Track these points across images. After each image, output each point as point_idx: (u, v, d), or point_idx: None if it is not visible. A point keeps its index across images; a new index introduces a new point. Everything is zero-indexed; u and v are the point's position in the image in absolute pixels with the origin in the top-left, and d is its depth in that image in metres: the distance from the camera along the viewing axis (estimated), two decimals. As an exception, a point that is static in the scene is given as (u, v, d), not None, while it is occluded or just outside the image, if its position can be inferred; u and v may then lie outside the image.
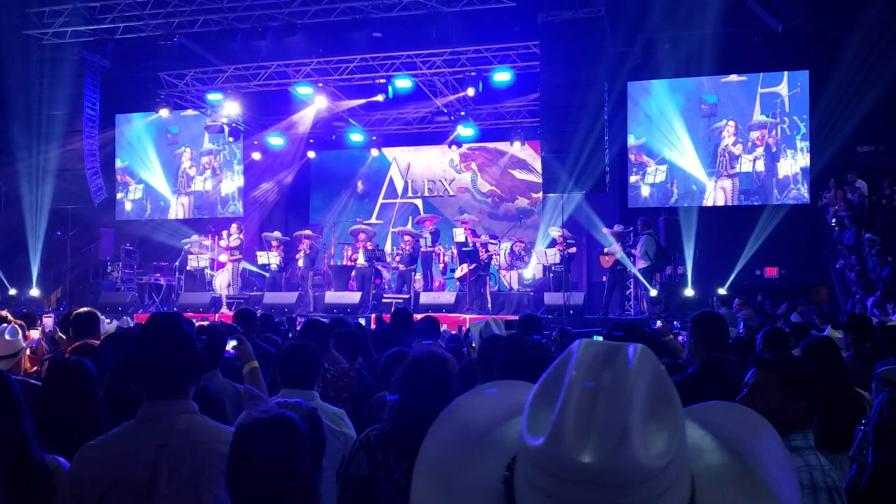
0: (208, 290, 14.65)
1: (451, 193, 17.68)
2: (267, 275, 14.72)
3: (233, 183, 17.79)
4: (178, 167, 17.99)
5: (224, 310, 13.21)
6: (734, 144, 14.58)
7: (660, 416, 0.87)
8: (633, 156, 15.16)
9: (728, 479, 0.92)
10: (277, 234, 15.14)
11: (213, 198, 17.81)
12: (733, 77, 14.60)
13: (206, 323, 4.91)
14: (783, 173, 14.39)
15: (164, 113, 15.59)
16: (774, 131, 14.45)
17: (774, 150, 14.44)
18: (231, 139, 16.61)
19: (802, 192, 14.27)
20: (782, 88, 14.40)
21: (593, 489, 0.83)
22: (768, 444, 0.95)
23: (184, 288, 14.97)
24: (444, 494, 0.98)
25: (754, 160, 14.53)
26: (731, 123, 14.57)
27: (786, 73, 14.33)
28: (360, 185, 18.30)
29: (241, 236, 14.75)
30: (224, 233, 14.92)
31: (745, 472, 0.92)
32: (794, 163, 14.34)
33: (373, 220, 17.60)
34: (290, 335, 6.69)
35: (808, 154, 14.20)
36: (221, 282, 14.61)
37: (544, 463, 0.85)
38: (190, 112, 16.84)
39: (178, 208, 17.90)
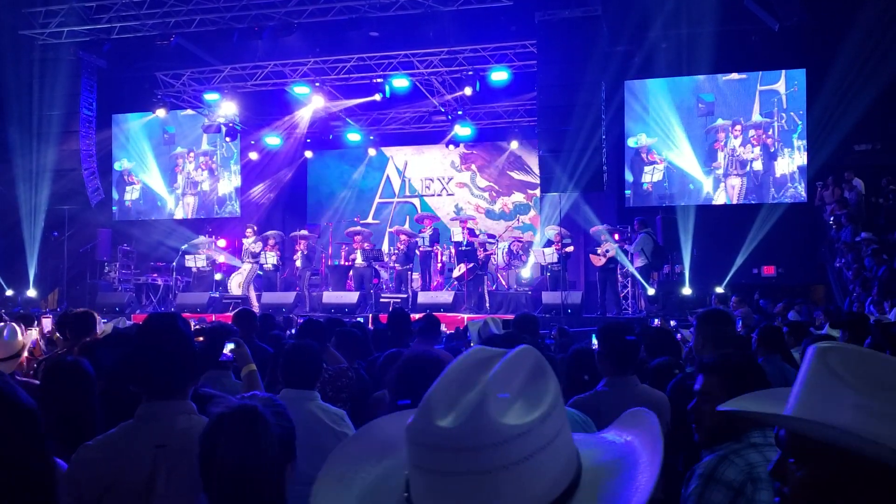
0: (219, 290, 14.66)
1: (450, 192, 17.66)
2: (260, 273, 14.71)
3: (230, 183, 17.77)
4: (174, 167, 17.95)
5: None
6: (742, 145, 14.59)
7: (528, 398, 0.94)
8: (644, 154, 15.17)
9: (606, 472, 0.99)
10: (273, 232, 15.10)
11: (212, 198, 17.79)
12: (734, 75, 14.61)
13: (200, 326, 4.90)
14: (780, 172, 14.42)
15: (160, 113, 15.58)
16: (771, 130, 14.46)
17: (773, 149, 14.47)
18: (228, 139, 16.59)
19: (800, 190, 14.30)
20: (780, 86, 14.43)
21: (452, 455, 0.89)
22: (642, 438, 1.04)
23: (187, 287, 14.96)
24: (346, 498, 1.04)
25: (751, 160, 14.56)
26: (738, 127, 14.57)
27: (783, 71, 14.35)
28: (357, 184, 18.29)
29: (257, 239, 14.58)
30: (245, 239, 14.68)
31: (619, 464, 1.00)
32: (792, 161, 14.37)
33: (369, 220, 17.60)
34: (287, 333, 6.69)
35: (806, 152, 14.22)
36: (238, 282, 14.50)
37: (414, 435, 0.93)
38: (189, 112, 16.79)
39: (183, 208, 17.86)
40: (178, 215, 17.82)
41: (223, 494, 1.62)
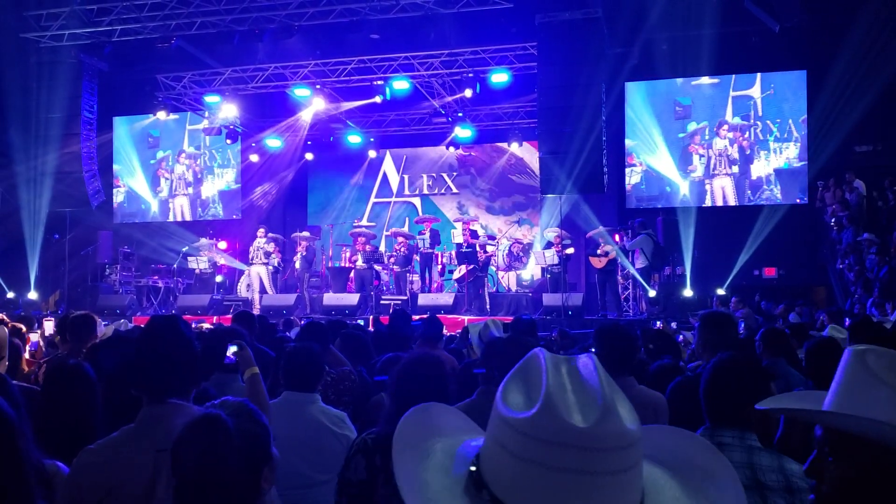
0: (220, 292, 14.65)
1: (455, 191, 17.64)
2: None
3: (213, 186, 17.71)
4: (157, 170, 17.88)
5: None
6: (731, 144, 14.59)
7: (621, 397, 0.98)
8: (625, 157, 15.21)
9: (673, 498, 1.02)
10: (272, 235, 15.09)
11: (199, 200, 17.75)
12: (704, 79, 14.62)
13: (203, 326, 4.90)
14: (756, 174, 14.44)
15: (161, 115, 15.59)
16: (748, 133, 14.49)
17: (748, 152, 14.49)
18: (229, 141, 16.56)
19: (775, 193, 14.31)
20: (755, 91, 14.45)
21: (583, 453, 0.91)
22: (725, 492, 1.06)
23: (188, 289, 14.97)
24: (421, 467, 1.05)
25: (733, 162, 14.57)
26: (726, 126, 14.58)
27: (759, 74, 14.35)
28: (357, 186, 18.30)
29: (266, 242, 14.52)
30: (258, 240, 14.60)
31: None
32: (767, 164, 14.39)
33: (365, 222, 17.59)
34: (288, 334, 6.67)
35: (781, 155, 14.26)
36: (251, 284, 14.47)
37: (536, 431, 0.93)
38: (174, 116, 16.70)
39: (173, 211, 17.82)
40: (168, 218, 17.74)
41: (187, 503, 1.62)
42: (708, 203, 14.49)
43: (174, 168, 17.83)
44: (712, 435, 2.16)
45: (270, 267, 14.24)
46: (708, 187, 14.58)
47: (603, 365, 3.24)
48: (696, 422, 2.26)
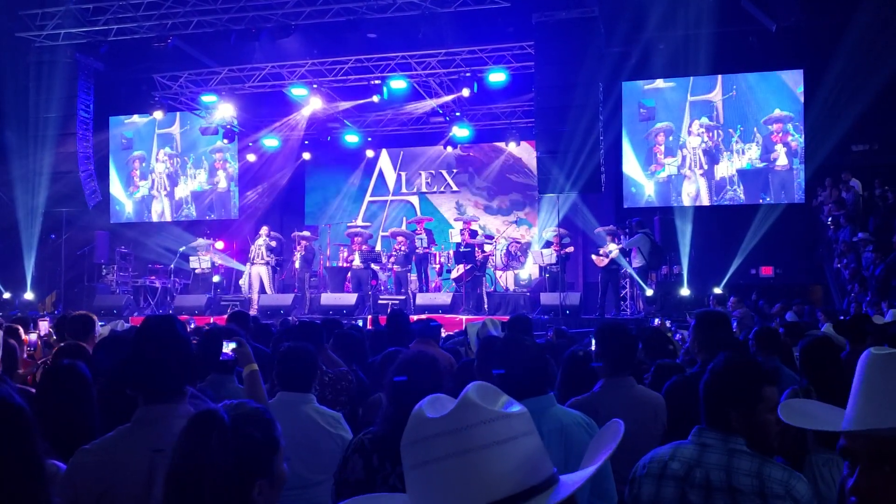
0: (217, 292, 14.62)
1: (455, 189, 17.64)
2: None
3: (186, 187, 17.62)
4: (131, 171, 17.79)
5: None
6: (709, 140, 14.61)
7: (505, 399, 1.09)
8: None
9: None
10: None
11: (178, 198, 17.67)
12: (659, 83, 14.64)
13: (191, 326, 4.90)
14: (720, 175, 14.48)
15: (158, 115, 15.55)
16: (713, 133, 14.51)
17: (714, 151, 14.53)
18: (226, 141, 16.53)
19: (739, 193, 14.36)
20: (715, 95, 14.52)
21: (444, 439, 1.02)
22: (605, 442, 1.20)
23: (185, 290, 14.94)
24: None
25: (678, 166, 14.62)
26: (697, 123, 14.61)
27: (719, 76, 14.38)
28: (354, 185, 18.29)
29: (269, 240, 14.47)
30: (260, 238, 14.56)
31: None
32: (731, 165, 14.43)
33: (360, 221, 17.60)
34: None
35: (744, 156, 14.33)
36: (251, 284, 14.43)
37: (409, 437, 1.06)
38: (147, 118, 16.61)
39: (158, 209, 17.73)
40: (144, 218, 17.63)
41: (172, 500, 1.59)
42: (680, 203, 14.48)
43: (155, 168, 17.74)
44: (699, 435, 2.19)
45: (269, 267, 14.20)
46: (682, 185, 14.59)
47: (603, 364, 3.25)
48: (694, 421, 2.26)
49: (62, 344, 3.89)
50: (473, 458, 1.00)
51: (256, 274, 14.17)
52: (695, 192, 14.58)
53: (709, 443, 2.15)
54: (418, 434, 1.05)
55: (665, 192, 14.66)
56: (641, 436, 3.11)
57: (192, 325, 8.04)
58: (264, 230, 14.50)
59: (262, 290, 14.10)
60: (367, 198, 18.22)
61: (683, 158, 14.63)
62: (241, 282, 15.06)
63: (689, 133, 14.60)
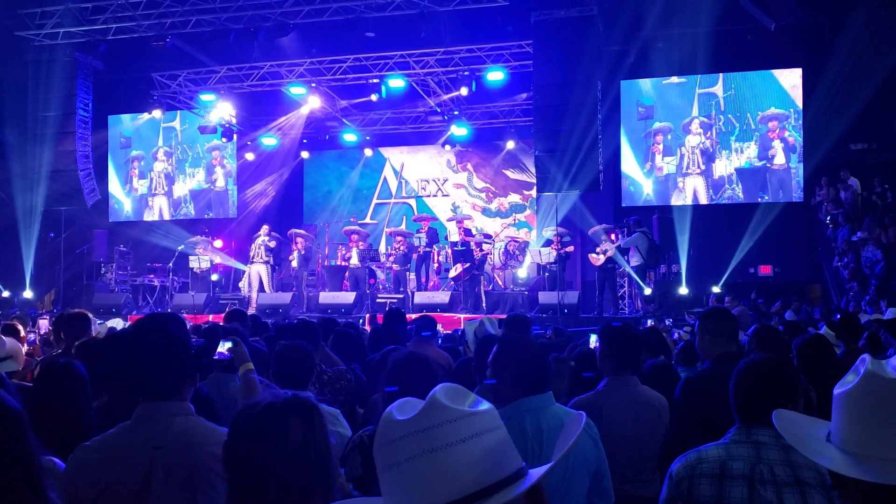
0: (216, 291, 14.64)
1: (445, 193, 17.68)
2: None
3: (184, 186, 17.59)
4: (129, 171, 17.75)
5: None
6: (706, 138, 14.61)
7: (472, 399, 1.13)
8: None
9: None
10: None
11: (176, 197, 17.65)
12: (673, 79, 14.62)
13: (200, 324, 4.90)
14: (718, 174, 14.48)
15: (157, 114, 15.54)
16: (710, 132, 14.52)
17: (711, 150, 14.52)
18: (224, 139, 16.51)
19: (737, 192, 14.35)
20: (717, 89, 14.48)
21: (412, 439, 1.05)
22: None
23: (184, 288, 14.94)
24: None
25: (676, 165, 14.60)
26: (696, 121, 14.60)
27: (719, 75, 14.35)
28: (353, 184, 18.30)
29: (269, 239, 14.43)
30: (261, 237, 14.50)
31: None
32: (729, 163, 14.43)
33: (366, 220, 17.62)
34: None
35: (742, 155, 14.33)
36: (252, 283, 14.41)
37: (379, 440, 1.11)
38: (146, 116, 16.58)
39: (158, 210, 17.70)
40: (144, 217, 17.61)
41: (244, 489, 1.49)
42: (679, 202, 14.47)
43: (153, 166, 17.72)
44: (748, 434, 2.20)
45: (268, 266, 14.18)
46: (681, 184, 14.58)
47: (607, 363, 3.27)
48: (705, 419, 2.29)
49: (77, 342, 3.90)
50: (438, 456, 1.03)
51: (256, 273, 14.15)
52: (693, 190, 14.58)
53: (762, 440, 2.17)
54: (387, 436, 1.09)
55: (663, 191, 14.67)
56: (645, 435, 3.13)
57: (189, 324, 8.04)
58: (264, 229, 14.46)
59: (262, 289, 14.10)
60: (375, 199, 18.20)
61: (682, 157, 14.63)
62: (240, 283, 15.05)
63: (688, 132, 14.60)
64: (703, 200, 14.46)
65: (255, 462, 1.45)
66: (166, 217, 17.54)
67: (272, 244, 14.25)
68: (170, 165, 17.66)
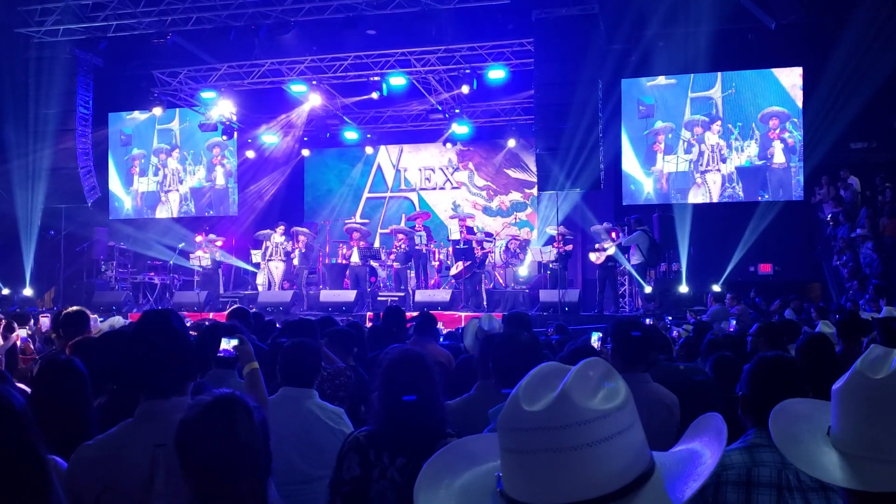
0: (235, 288, 14.64)
1: (454, 185, 17.65)
2: (252, 269, 14.67)
3: (185, 184, 17.59)
4: (130, 168, 17.75)
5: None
6: (721, 137, 14.60)
7: (606, 391, 1.07)
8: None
9: (674, 466, 1.12)
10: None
11: (166, 197, 17.63)
12: (660, 80, 14.61)
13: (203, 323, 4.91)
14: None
15: (157, 111, 15.52)
16: (710, 131, 14.51)
17: (710, 150, 14.51)
18: (225, 137, 16.50)
19: (737, 191, 14.35)
20: (715, 92, 14.47)
21: (541, 433, 1.02)
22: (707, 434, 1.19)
23: (184, 286, 14.93)
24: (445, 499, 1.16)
25: (690, 161, 14.59)
26: (718, 123, 14.57)
27: (719, 74, 14.35)
28: (354, 182, 18.30)
29: (288, 238, 14.41)
30: (275, 236, 14.43)
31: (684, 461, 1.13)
32: (730, 162, 14.42)
33: (358, 218, 17.59)
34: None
35: (743, 154, 14.33)
36: (272, 281, 14.40)
37: (504, 422, 1.06)
38: (147, 114, 16.58)
39: (170, 206, 17.73)
40: (156, 215, 17.62)
41: (201, 485, 1.59)
42: (698, 199, 14.46)
43: (168, 163, 17.72)
44: (770, 437, 2.16)
45: (284, 264, 14.19)
46: (699, 180, 14.57)
47: (617, 360, 3.23)
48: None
49: (78, 338, 3.90)
50: (565, 456, 1.01)
51: (275, 269, 14.16)
52: (693, 189, 14.57)
53: (759, 442, 2.15)
54: (513, 423, 1.05)
55: (664, 190, 14.66)
56: (658, 433, 3.12)
57: (189, 322, 8.04)
58: (280, 228, 14.46)
59: (269, 287, 14.09)
60: (366, 194, 18.22)
61: (701, 154, 14.60)
62: (258, 281, 14.98)
63: (687, 131, 14.59)
64: (704, 199, 14.46)
65: (211, 450, 1.54)
66: (174, 214, 17.51)
67: (288, 245, 14.22)
68: (169, 163, 17.65)
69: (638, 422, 1.08)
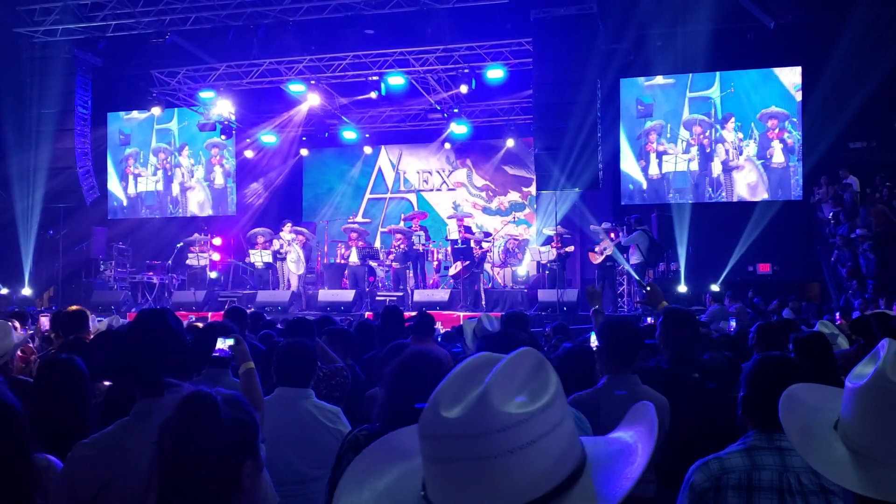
0: (215, 288, 14.60)
1: (450, 187, 17.64)
2: (251, 269, 14.65)
3: (176, 184, 17.56)
4: (126, 167, 17.70)
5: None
6: (705, 137, 14.59)
7: (530, 391, 1.00)
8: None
9: (605, 461, 1.06)
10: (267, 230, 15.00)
11: (164, 196, 17.61)
12: (658, 79, 14.60)
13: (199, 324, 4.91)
14: (716, 173, 14.46)
15: (156, 111, 15.51)
16: (709, 132, 14.50)
17: (708, 150, 14.51)
18: (223, 137, 16.49)
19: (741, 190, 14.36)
20: (713, 91, 14.46)
21: (457, 442, 0.96)
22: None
23: (182, 285, 14.92)
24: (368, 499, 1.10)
25: (689, 160, 14.58)
26: (732, 120, 14.55)
27: (717, 73, 14.34)
28: (352, 182, 18.29)
29: (296, 236, 14.41)
30: (284, 234, 14.43)
31: (616, 455, 1.07)
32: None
33: (360, 219, 17.59)
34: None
35: (742, 154, 14.31)
36: (289, 280, 14.36)
37: (423, 429, 1.01)
38: (145, 113, 16.56)
39: (170, 206, 17.70)
40: (168, 213, 17.59)
41: (169, 483, 1.59)
42: (676, 200, 14.43)
43: (166, 163, 17.69)
44: (770, 439, 2.13)
45: (295, 264, 14.19)
46: (724, 180, 14.53)
47: (606, 360, 3.19)
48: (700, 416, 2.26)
49: (71, 338, 3.90)
50: (491, 464, 0.95)
51: (290, 267, 14.15)
52: (692, 188, 14.57)
53: (785, 446, 2.10)
54: (431, 430, 1.00)
55: (662, 189, 14.66)
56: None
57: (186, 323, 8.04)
58: (287, 226, 14.44)
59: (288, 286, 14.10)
60: (367, 195, 18.21)
61: (727, 152, 14.60)
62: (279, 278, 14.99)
63: (687, 131, 14.59)
64: (703, 199, 14.42)
65: (173, 451, 1.56)
66: (179, 213, 17.45)
67: (297, 244, 14.24)
68: (168, 162, 17.63)
69: (567, 416, 1.02)
